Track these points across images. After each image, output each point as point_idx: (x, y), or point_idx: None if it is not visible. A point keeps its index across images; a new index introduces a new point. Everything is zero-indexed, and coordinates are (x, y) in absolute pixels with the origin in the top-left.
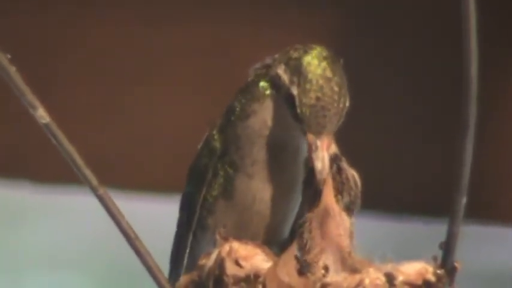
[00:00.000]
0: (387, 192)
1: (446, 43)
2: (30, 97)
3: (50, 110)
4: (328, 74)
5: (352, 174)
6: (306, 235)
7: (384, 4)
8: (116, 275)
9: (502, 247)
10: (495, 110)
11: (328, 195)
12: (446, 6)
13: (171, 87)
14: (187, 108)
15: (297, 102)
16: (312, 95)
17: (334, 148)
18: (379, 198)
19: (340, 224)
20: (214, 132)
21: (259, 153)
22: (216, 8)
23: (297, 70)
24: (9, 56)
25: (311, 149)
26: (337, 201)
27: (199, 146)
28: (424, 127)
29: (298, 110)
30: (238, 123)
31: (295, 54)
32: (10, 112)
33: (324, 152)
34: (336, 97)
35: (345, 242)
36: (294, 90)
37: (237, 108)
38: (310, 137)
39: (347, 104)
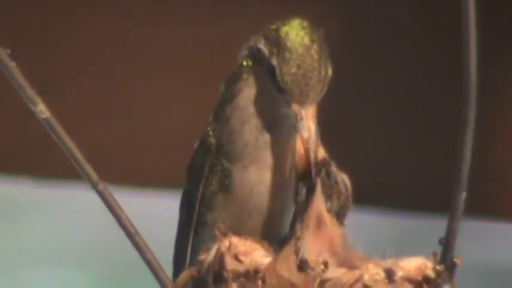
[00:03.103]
0: (387, 188)
1: (446, 41)
2: (30, 92)
3: (50, 105)
4: (307, 42)
5: (341, 178)
6: (299, 247)
7: (384, 3)
8: (116, 270)
9: (502, 243)
10: (495, 105)
11: (319, 204)
12: (446, 4)
13: (171, 83)
14: (187, 104)
15: (278, 72)
16: (292, 63)
17: (323, 153)
18: (378, 193)
19: (333, 231)
20: (209, 128)
21: (250, 132)
22: (216, 8)
23: (276, 41)
24: (9, 51)
25: (296, 119)
26: (328, 207)
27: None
28: (424, 123)
29: (280, 80)
30: (226, 106)
31: (273, 27)
32: (10, 107)
33: (309, 121)
34: (316, 65)
35: (339, 248)
36: (274, 61)
37: (224, 92)
38: (295, 107)
39: (329, 72)
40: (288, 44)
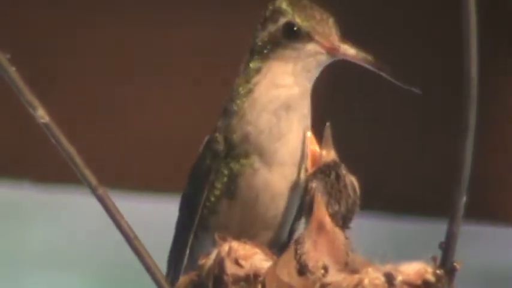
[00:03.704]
0: (387, 192)
1: (447, 43)
2: (30, 97)
3: (49, 109)
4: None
5: (350, 180)
6: (299, 251)
7: (383, 5)
8: (115, 274)
9: (501, 247)
10: (495, 109)
11: (320, 212)
12: (447, 6)
13: (171, 87)
14: (187, 108)
15: (297, 18)
16: (308, 12)
17: (333, 154)
18: (378, 198)
19: (334, 239)
20: (217, 134)
21: (266, 119)
22: (216, 8)
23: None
24: (8, 56)
25: (333, 52)
26: (333, 212)
27: (200, 149)
28: (424, 127)
29: (301, 24)
30: (244, 100)
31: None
32: (10, 112)
33: (345, 46)
34: (325, 15)
35: (340, 256)
36: (289, 15)
37: (238, 89)
38: (326, 41)
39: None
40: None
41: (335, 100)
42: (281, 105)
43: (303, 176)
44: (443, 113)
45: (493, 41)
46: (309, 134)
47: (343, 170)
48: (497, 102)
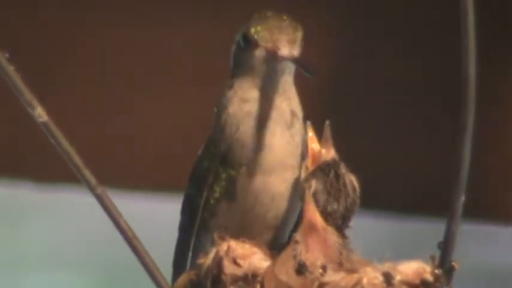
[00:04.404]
0: (385, 192)
1: (445, 43)
2: (29, 96)
3: (48, 109)
4: (273, 13)
5: (350, 179)
6: (297, 251)
7: (382, 4)
8: (114, 274)
9: (500, 246)
10: (494, 108)
11: (310, 211)
12: (445, 5)
13: (170, 86)
14: (186, 107)
15: (249, 28)
16: (261, 15)
17: (333, 153)
18: (377, 197)
19: (326, 239)
20: (211, 139)
21: (245, 133)
22: (216, 8)
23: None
24: (7, 55)
25: (273, 55)
26: (332, 211)
27: (200, 150)
28: (423, 126)
29: (252, 31)
30: (221, 116)
31: None
32: (9, 111)
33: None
34: (285, 17)
35: (333, 256)
36: (247, 29)
37: (217, 106)
38: (270, 45)
39: (300, 27)
40: (256, 15)
41: (335, 100)
42: (256, 118)
43: (303, 175)
44: (443, 112)
45: (493, 41)
46: (310, 134)
47: (343, 169)
48: (497, 102)
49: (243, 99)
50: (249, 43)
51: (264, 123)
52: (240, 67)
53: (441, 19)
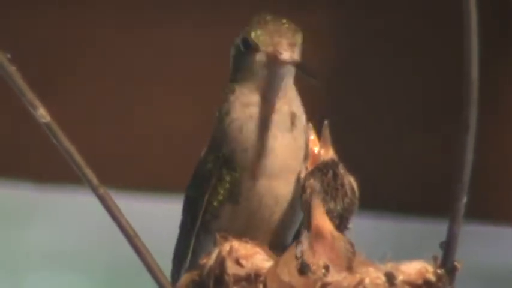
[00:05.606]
0: (388, 192)
1: (447, 42)
2: (31, 96)
3: (50, 109)
4: (272, 17)
5: (348, 180)
6: (300, 251)
7: (382, 4)
8: (116, 274)
9: (502, 247)
10: (496, 109)
11: (319, 217)
12: (447, 5)
13: (172, 87)
14: (188, 108)
15: (249, 32)
16: (260, 19)
17: (331, 153)
18: (379, 198)
19: (333, 244)
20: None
21: (247, 137)
22: (216, 9)
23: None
24: (9, 56)
25: (273, 59)
26: (328, 210)
27: (202, 151)
28: (425, 126)
29: (253, 35)
30: (223, 121)
31: None
32: (11, 112)
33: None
34: (284, 21)
35: (341, 262)
36: (247, 34)
37: (219, 111)
38: (271, 50)
39: (299, 31)
40: (255, 19)
41: (335, 99)
42: (258, 121)
43: (302, 176)
44: (443, 112)
45: (493, 41)
46: (312, 137)
47: (341, 169)
48: (497, 102)
49: (245, 103)
50: (250, 47)
51: (266, 127)
52: (240, 71)
53: (441, 19)
